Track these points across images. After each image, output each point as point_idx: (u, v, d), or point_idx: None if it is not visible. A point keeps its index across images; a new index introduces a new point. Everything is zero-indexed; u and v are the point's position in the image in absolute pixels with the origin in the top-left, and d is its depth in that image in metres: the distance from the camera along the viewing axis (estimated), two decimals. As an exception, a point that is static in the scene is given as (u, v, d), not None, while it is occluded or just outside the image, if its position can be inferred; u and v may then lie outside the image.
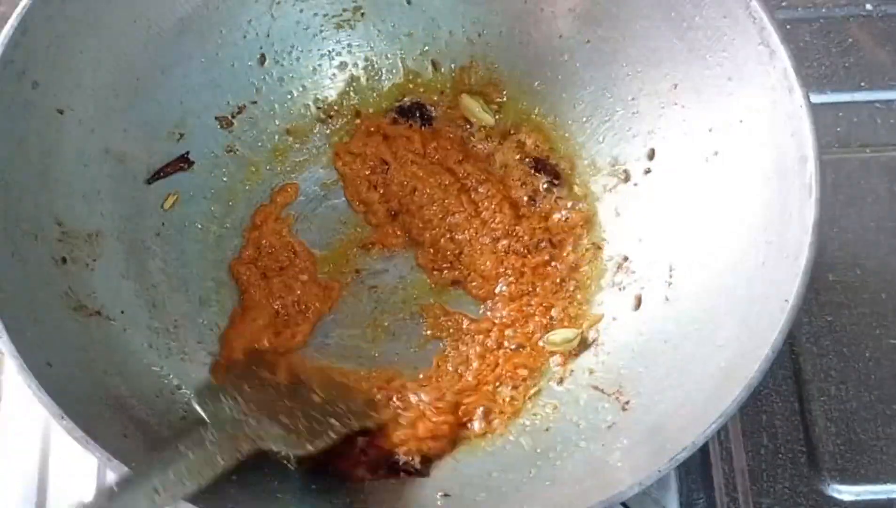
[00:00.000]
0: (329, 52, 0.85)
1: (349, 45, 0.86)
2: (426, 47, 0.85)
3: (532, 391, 0.75)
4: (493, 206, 0.83)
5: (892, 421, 0.78)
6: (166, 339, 0.74)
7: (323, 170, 0.86)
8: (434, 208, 0.84)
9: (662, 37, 0.74)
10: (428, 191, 0.84)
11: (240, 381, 0.70)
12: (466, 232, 0.83)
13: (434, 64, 0.86)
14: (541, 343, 0.77)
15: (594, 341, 0.76)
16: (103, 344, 0.69)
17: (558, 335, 0.77)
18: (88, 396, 0.63)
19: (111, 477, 0.76)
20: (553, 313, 0.79)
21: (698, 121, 0.74)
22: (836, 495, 0.76)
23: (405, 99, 0.87)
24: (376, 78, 0.87)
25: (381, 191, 0.85)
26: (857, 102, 0.93)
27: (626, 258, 0.78)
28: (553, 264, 0.81)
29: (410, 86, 0.86)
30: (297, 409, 0.68)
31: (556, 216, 0.82)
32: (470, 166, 0.85)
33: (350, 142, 0.86)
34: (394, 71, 0.86)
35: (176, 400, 0.71)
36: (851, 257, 0.85)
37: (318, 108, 0.86)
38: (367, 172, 0.85)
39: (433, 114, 0.87)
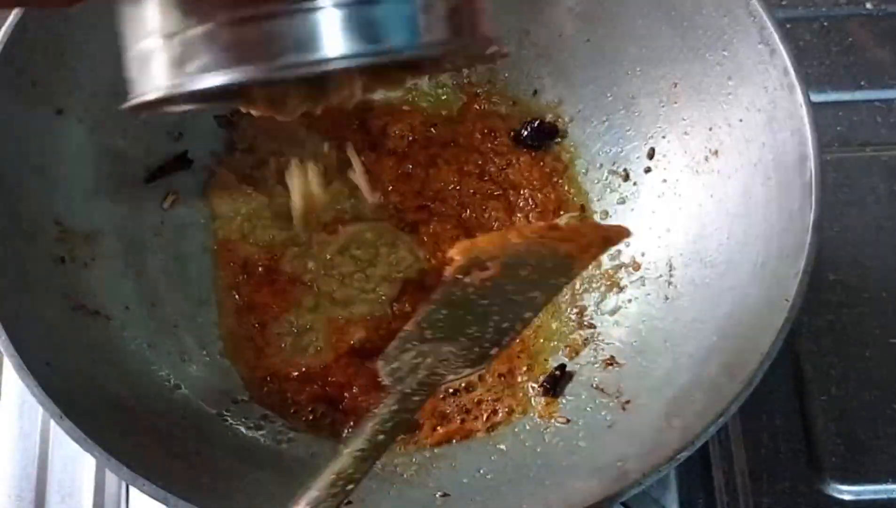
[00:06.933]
0: (328, 51, 0.85)
1: (348, 45, 0.85)
2: (425, 47, 0.85)
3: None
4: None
5: (892, 421, 0.78)
6: (166, 339, 0.74)
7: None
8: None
9: (662, 36, 0.74)
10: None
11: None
12: None
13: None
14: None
15: (594, 341, 0.76)
16: (102, 344, 0.69)
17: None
18: (88, 396, 0.63)
19: (110, 478, 0.77)
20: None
21: (698, 120, 0.74)
22: (836, 495, 0.76)
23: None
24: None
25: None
26: (857, 102, 0.93)
27: (625, 258, 0.78)
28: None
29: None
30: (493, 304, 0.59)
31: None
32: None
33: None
34: (393, 70, 0.86)
35: (175, 400, 0.71)
36: (852, 256, 0.85)
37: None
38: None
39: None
